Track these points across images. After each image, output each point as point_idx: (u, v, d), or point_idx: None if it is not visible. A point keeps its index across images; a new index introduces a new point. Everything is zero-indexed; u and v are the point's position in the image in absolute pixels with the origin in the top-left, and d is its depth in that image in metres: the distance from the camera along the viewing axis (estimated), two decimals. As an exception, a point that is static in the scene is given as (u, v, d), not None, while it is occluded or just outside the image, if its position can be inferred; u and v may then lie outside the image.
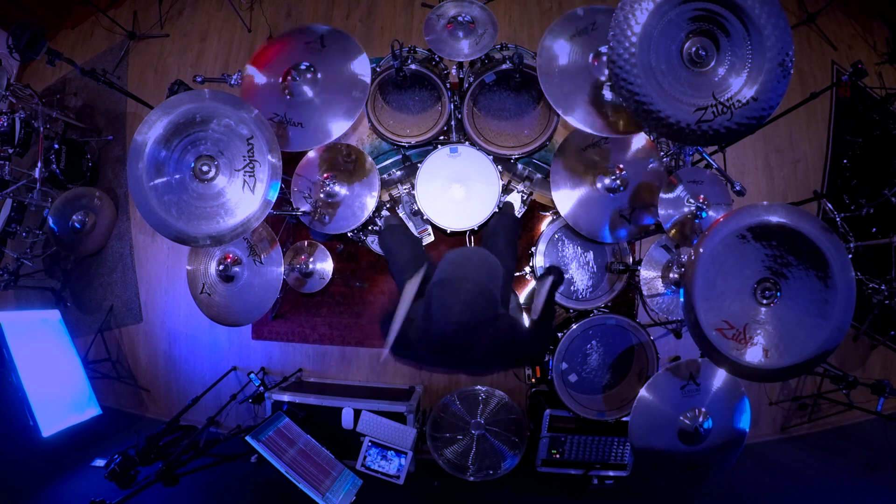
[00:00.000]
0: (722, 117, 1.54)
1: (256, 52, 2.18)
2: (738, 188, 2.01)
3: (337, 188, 2.33)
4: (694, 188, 2.08)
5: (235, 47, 3.53)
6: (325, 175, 2.34)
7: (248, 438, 2.12)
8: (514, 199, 2.71)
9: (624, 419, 2.30)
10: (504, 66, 2.15)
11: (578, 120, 1.96)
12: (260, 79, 2.14)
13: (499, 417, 2.57)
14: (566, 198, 2.22)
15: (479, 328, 1.28)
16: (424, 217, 2.39)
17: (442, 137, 2.45)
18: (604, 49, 1.92)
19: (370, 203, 2.33)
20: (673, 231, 2.08)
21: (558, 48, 1.98)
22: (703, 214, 2.05)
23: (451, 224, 2.36)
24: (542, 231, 2.50)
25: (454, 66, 2.41)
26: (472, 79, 2.26)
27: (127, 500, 1.72)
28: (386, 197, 2.70)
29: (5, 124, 3.12)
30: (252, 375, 2.80)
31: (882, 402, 2.45)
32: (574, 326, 2.28)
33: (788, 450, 2.87)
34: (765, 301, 1.55)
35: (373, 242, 2.74)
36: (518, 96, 2.37)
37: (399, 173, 2.66)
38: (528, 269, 2.61)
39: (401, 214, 2.74)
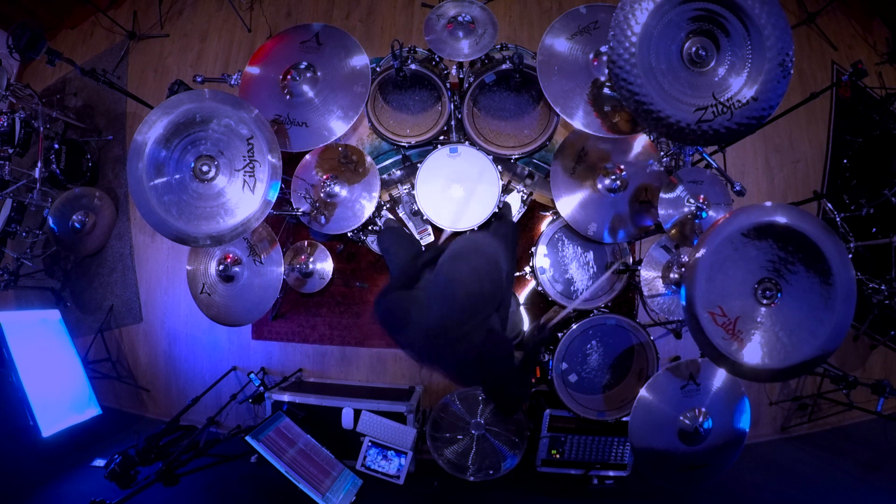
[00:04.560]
0: (722, 117, 1.54)
1: (255, 53, 2.18)
2: (738, 188, 2.01)
3: (337, 188, 2.33)
4: (694, 188, 2.08)
5: (235, 47, 3.53)
6: (326, 175, 2.34)
7: (248, 438, 2.12)
8: (514, 199, 2.70)
9: (624, 419, 2.29)
10: (504, 66, 2.14)
11: (578, 120, 1.96)
12: (260, 79, 2.14)
13: (499, 417, 2.57)
14: (566, 199, 2.23)
15: (473, 315, 1.31)
16: (424, 217, 2.39)
17: (442, 137, 2.45)
18: (604, 49, 1.92)
19: (370, 203, 2.33)
20: (673, 231, 2.08)
21: (558, 47, 1.98)
22: (703, 214, 2.05)
23: (451, 224, 2.35)
24: (542, 231, 2.50)
25: (454, 66, 2.40)
26: (472, 79, 2.25)
27: (127, 500, 1.73)
28: (386, 197, 2.70)
29: (5, 124, 3.12)
30: (252, 375, 2.80)
31: (882, 402, 2.46)
32: (574, 326, 2.28)
33: (788, 450, 2.87)
34: (766, 301, 1.55)
35: (373, 242, 2.74)
36: (518, 96, 2.37)
37: (399, 173, 2.65)
38: (528, 268, 2.61)
39: (401, 214, 2.73)
